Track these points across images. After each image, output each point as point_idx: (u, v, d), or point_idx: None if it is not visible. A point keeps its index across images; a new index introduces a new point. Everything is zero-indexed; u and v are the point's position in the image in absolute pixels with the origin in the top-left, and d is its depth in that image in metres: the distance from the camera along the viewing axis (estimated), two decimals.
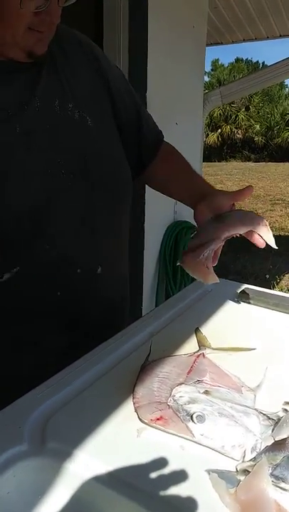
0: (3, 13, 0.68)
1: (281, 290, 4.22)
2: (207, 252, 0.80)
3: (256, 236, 0.84)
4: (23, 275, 0.79)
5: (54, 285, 0.83)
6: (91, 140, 0.85)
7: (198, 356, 0.78)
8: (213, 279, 0.82)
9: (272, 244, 0.85)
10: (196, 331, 0.88)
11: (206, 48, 3.00)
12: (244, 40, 4.25)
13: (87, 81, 0.88)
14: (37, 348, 0.85)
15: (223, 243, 0.82)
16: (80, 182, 0.82)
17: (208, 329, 0.89)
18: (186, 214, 2.55)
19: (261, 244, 0.84)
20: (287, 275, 4.74)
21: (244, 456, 0.55)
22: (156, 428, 0.60)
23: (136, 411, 0.64)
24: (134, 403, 0.66)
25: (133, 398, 0.67)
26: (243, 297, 1.05)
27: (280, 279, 4.62)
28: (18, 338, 0.84)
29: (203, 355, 0.78)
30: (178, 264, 0.82)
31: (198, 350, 0.80)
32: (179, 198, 0.99)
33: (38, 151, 0.78)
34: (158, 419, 0.61)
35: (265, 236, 0.84)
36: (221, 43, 4.36)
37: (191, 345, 0.83)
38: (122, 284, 1.02)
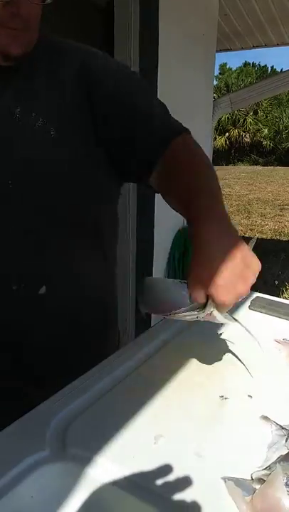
0: None
1: None
2: None
3: None
4: None
5: None
6: (48, 149, 0.78)
7: None
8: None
9: None
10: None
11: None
12: (253, 47, 4.25)
13: (65, 93, 0.80)
14: None
15: None
16: (28, 193, 0.77)
17: (220, 337, 0.91)
18: None
19: None
20: None
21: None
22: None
23: None
24: None
25: None
26: (255, 306, 1.07)
27: None
28: None
29: None
30: None
31: None
32: (175, 208, 0.81)
33: None
34: None
35: None
36: (230, 49, 4.36)
37: (201, 356, 0.84)
38: (94, 307, 0.93)
